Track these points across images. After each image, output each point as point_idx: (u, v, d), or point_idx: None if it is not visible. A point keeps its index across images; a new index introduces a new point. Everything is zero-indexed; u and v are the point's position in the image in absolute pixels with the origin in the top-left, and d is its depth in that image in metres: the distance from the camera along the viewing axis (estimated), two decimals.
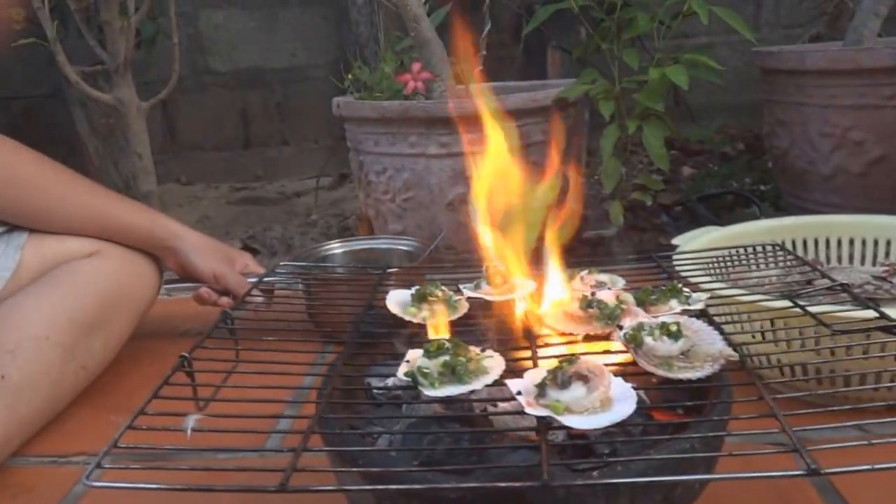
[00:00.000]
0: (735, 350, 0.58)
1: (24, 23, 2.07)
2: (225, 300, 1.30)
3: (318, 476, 0.52)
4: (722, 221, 1.43)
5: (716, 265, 0.96)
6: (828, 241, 1.18)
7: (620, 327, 0.62)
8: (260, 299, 1.25)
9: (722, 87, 1.56)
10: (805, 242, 1.19)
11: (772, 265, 0.89)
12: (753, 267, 0.96)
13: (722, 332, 0.62)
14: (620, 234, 1.65)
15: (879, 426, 0.79)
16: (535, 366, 0.61)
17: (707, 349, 0.58)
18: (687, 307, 0.67)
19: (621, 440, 0.54)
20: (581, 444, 0.54)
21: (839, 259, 1.18)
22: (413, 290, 0.74)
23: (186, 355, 0.65)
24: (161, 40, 2.30)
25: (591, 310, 0.66)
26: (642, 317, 0.63)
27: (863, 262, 1.16)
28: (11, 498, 0.97)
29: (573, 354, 0.60)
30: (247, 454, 0.52)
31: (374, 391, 0.70)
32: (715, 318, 0.66)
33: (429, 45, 1.66)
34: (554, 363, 0.56)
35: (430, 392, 0.57)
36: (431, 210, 1.57)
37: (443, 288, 0.75)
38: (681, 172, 2.13)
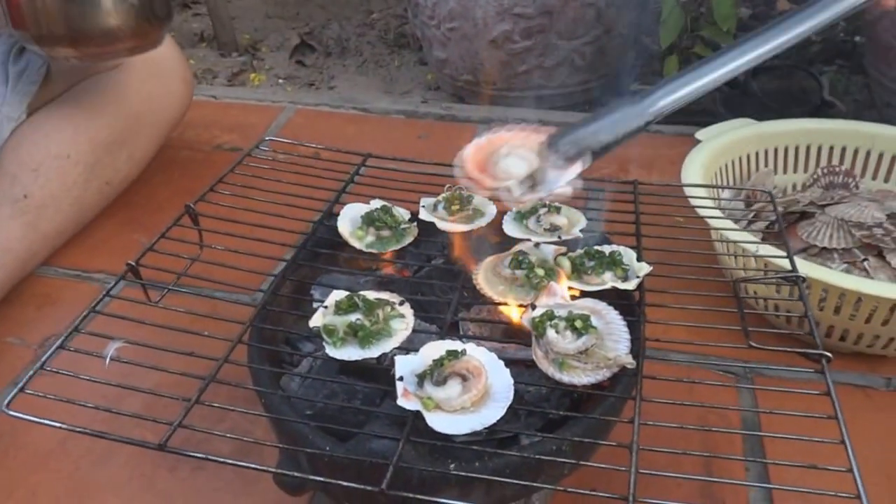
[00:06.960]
0: (634, 357, 0.57)
1: None
2: None
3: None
4: (776, 103, 1.29)
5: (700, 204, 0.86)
6: (868, 154, 1.07)
7: (534, 307, 0.61)
8: None
9: None
10: (844, 151, 1.08)
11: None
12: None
13: (639, 324, 0.61)
14: None
15: None
16: (449, 329, 0.63)
17: (607, 351, 0.57)
18: (621, 282, 0.65)
19: (479, 442, 0.56)
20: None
21: (883, 176, 1.07)
22: (363, 212, 0.74)
23: (132, 263, 0.68)
24: None
25: (518, 272, 0.65)
26: (559, 297, 0.62)
27: None
28: (37, 309, 1.08)
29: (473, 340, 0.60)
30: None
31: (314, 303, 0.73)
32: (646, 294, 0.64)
33: None
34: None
35: (330, 351, 0.59)
36: (475, 44, 1.49)
37: (393, 213, 0.74)
38: (775, 6, 1.89)
